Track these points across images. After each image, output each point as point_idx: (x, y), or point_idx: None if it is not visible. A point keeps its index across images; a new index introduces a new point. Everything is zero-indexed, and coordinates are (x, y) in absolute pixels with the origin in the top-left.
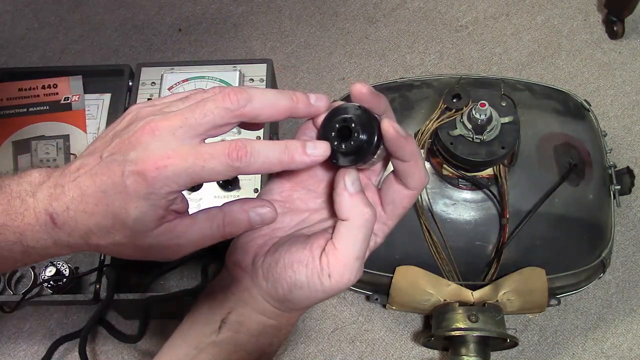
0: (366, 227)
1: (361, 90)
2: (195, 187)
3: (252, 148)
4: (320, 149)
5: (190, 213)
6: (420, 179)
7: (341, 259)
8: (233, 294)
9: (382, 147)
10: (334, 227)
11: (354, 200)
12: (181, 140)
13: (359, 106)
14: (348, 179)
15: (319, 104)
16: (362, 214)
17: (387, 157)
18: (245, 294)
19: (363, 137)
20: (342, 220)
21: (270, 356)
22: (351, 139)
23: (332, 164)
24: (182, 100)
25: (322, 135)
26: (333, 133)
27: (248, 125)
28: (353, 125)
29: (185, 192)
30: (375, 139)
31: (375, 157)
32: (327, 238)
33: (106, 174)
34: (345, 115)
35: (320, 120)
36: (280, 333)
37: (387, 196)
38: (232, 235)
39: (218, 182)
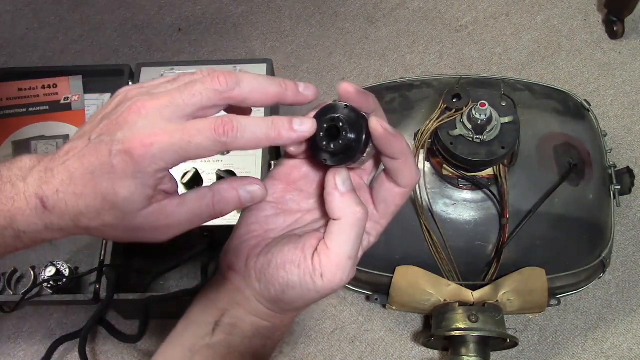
0: (358, 227)
1: (348, 89)
2: (193, 186)
3: (238, 123)
4: (307, 125)
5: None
6: (411, 177)
7: (333, 258)
8: (226, 296)
9: (371, 145)
10: (326, 227)
11: (345, 200)
12: (168, 119)
13: (346, 105)
14: (338, 179)
15: (307, 92)
16: (354, 213)
17: (378, 156)
18: (239, 296)
19: (351, 136)
20: (334, 219)
21: (264, 358)
22: (339, 138)
23: (323, 164)
24: (171, 82)
25: (312, 147)
26: (322, 133)
27: (236, 109)
28: (341, 124)
29: (183, 189)
30: (364, 137)
31: (365, 155)
32: (319, 238)
33: (94, 155)
34: (333, 115)
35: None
36: (274, 335)
37: (379, 195)
38: (222, 213)
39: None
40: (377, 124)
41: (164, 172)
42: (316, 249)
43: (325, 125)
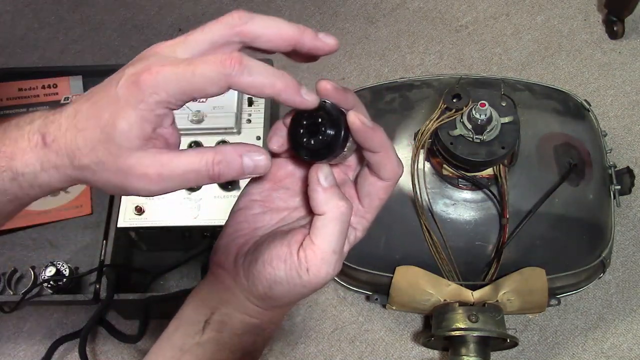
0: (342, 220)
1: (326, 87)
2: (194, 188)
3: (248, 61)
4: (312, 97)
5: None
6: (392, 169)
7: (318, 253)
8: (216, 294)
9: (351, 140)
10: (311, 222)
11: (328, 195)
12: (180, 54)
13: (324, 101)
14: (321, 174)
15: (328, 40)
16: (337, 207)
17: (361, 151)
18: (228, 294)
19: (330, 132)
20: (318, 214)
21: (254, 355)
22: (319, 134)
23: (304, 161)
24: None
25: (292, 132)
26: (302, 130)
27: (251, 48)
28: (320, 120)
29: (185, 192)
30: (343, 132)
31: (346, 150)
32: (304, 233)
33: (103, 90)
34: (313, 112)
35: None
36: (263, 332)
37: (362, 189)
38: (220, 177)
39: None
40: (355, 118)
41: (166, 109)
42: (301, 244)
43: (305, 122)
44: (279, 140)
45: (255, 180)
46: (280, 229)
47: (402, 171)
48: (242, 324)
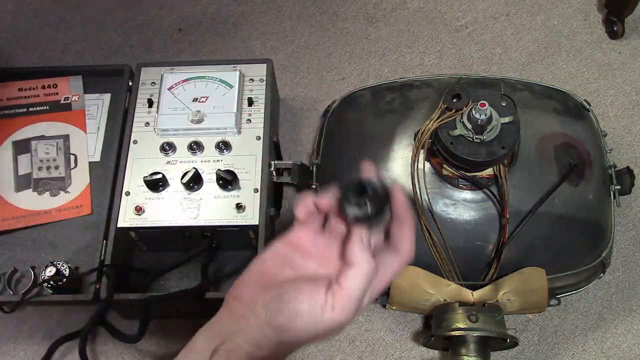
0: (370, 275)
1: (370, 169)
2: (195, 187)
3: None
4: None
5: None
6: (411, 243)
7: (345, 296)
8: (229, 322)
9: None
10: (337, 273)
11: (365, 252)
12: None
13: (370, 181)
14: (364, 234)
15: None
16: (369, 262)
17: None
18: (242, 322)
19: (376, 204)
20: (352, 264)
21: None
22: (367, 206)
23: (358, 224)
24: None
25: (344, 203)
26: (353, 200)
27: None
28: (368, 194)
29: (185, 192)
30: (387, 205)
31: (385, 218)
32: (331, 280)
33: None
34: (363, 186)
35: (322, 202)
36: None
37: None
38: None
39: (218, 182)
40: (401, 195)
41: None
42: (329, 287)
43: (355, 196)
44: (303, 210)
45: (282, 241)
46: (303, 276)
47: (414, 255)
48: (248, 357)
